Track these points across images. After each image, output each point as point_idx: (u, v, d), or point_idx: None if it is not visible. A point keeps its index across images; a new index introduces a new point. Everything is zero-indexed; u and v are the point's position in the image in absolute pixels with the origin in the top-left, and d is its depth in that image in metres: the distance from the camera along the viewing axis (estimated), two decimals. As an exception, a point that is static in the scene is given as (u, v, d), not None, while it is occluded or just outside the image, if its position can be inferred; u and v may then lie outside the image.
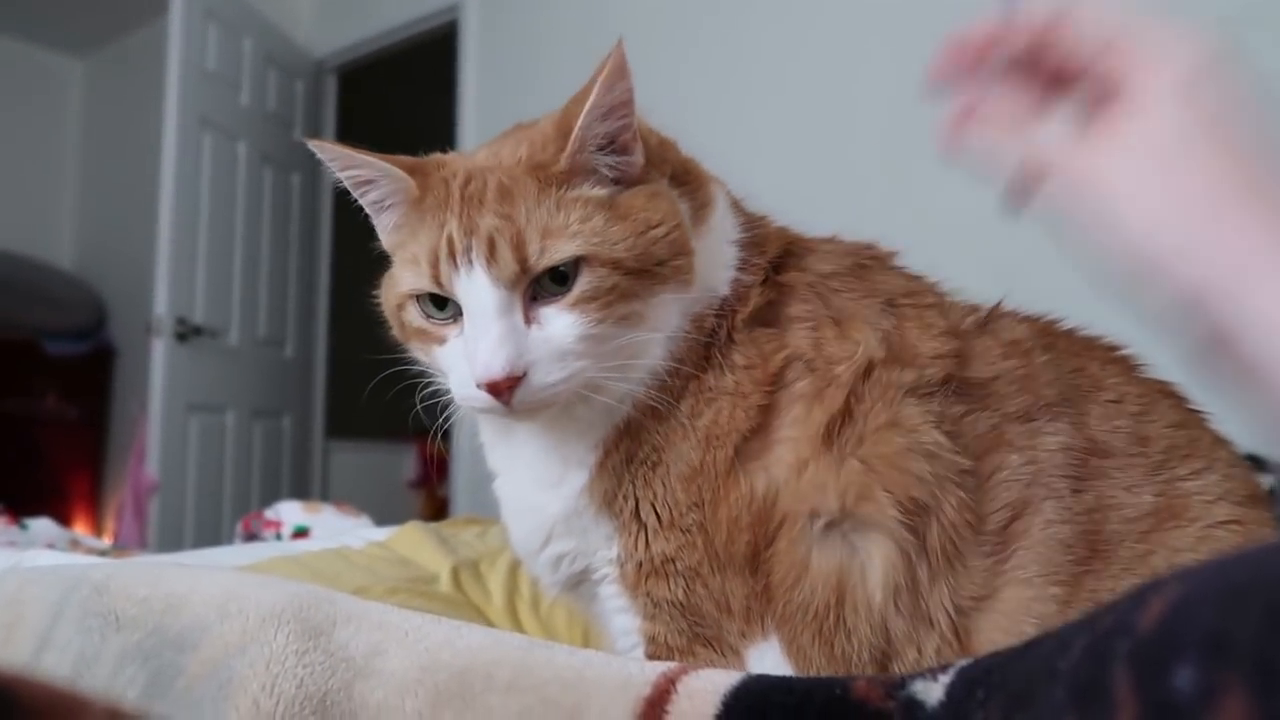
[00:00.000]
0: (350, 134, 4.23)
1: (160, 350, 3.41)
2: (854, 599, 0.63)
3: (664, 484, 0.68)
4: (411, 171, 0.73)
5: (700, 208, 0.74)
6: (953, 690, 0.42)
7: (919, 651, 0.63)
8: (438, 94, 4.09)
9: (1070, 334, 0.74)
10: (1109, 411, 0.67)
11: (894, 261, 0.78)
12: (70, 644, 0.47)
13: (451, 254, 0.67)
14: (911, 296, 0.73)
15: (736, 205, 0.79)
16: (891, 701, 0.44)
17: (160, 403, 3.40)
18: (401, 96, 5.15)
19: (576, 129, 0.68)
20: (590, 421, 0.71)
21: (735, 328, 0.70)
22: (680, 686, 0.49)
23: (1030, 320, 0.75)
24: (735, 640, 0.67)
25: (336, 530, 1.40)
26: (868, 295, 0.72)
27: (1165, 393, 0.71)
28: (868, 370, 0.66)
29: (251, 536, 1.49)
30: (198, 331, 3.53)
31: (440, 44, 3.90)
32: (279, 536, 1.43)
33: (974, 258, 2.57)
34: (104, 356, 4.42)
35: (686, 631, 0.69)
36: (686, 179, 0.75)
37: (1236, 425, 1.88)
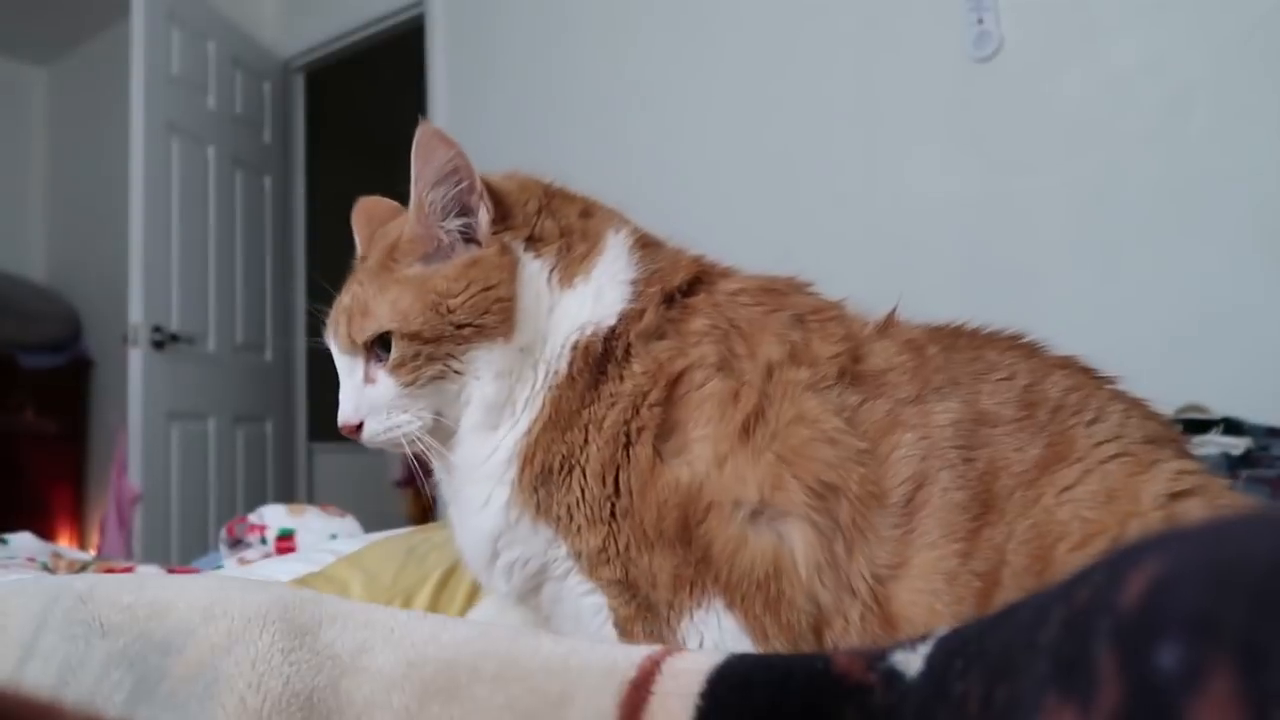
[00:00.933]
0: (320, 134, 4.20)
1: (137, 359, 3.38)
2: (788, 574, 0.70)
3: (580, 485, 0.76)
4: (362, 239, 0.92)
5: (580, 258, 0.84)
6: (932, 661, 0.43)
7: (845, 620, 0.69)
8: (408, 90, 4.07)
9: (974, 332, 0.82)
10: (999, 387, 0.73)
11: (808, 289, 0.87)
12: (55, 652, 0.47)
13: (326, 322, 0.85)
14: (818, 313, 0.81)
15: (643, 244, 0.87)
16: (872, 674, 0.44)
17: (140, 412, 3.37)
18: (371, 94, 5.12)
19: (412, 202, 0.81)
20: (494, 445, 0.81)
21: (631, 344, 0.79)
22: (664, 668, 0.50)
23: (929, 326, 0.83)
24: (664, 610, 0.74)
25: (321, 532, 1.40)
26: (776, 310, 0.80)
27: (1063, 365, 0.78)
28: (769, 372, 0.75)
29: (236, 542, 1.48)
30: (174, 339, 3.51)
31: (408, 40, 3.88)
32: (264, 541, 1.43)
33: (946, 237, 2.59)
34: (80, 368, 4.38)
35: (631, 602, 0.77)
36: (559, 238, 0.85)
37: (1209, 392, 1.90)
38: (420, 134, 0.78)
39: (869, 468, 0.70)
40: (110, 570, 1.35)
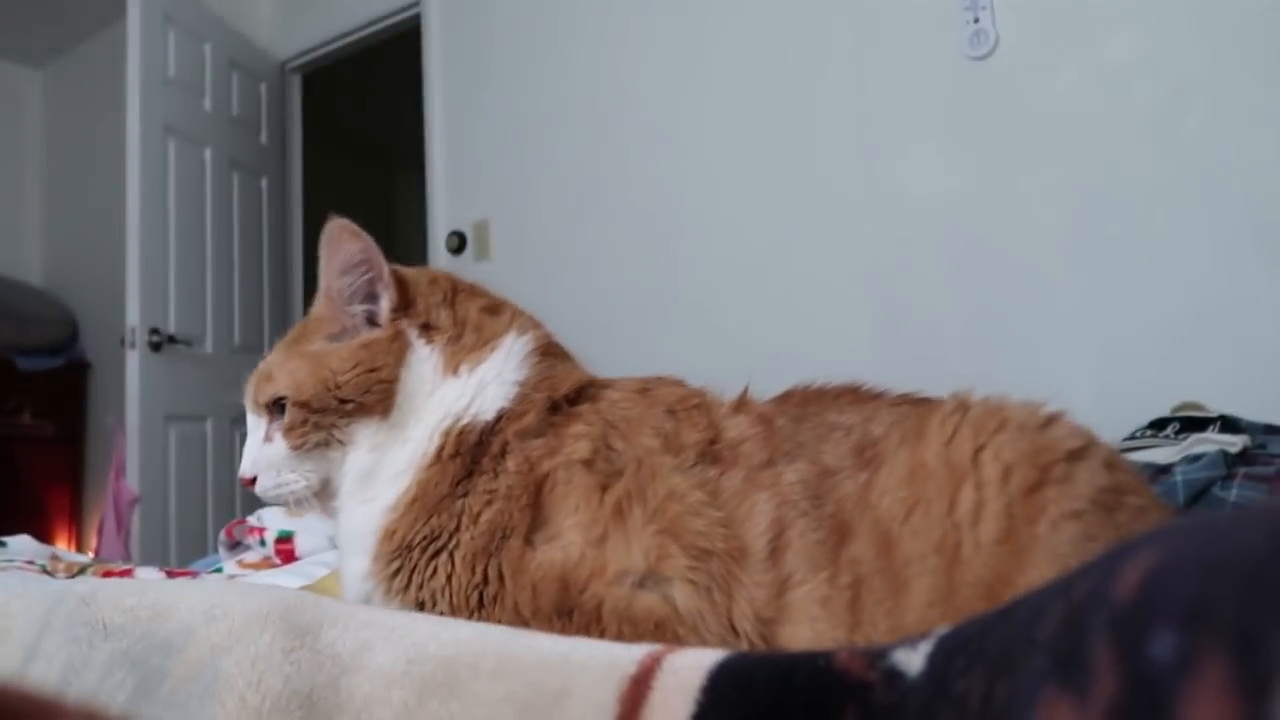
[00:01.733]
0: (317, 135, 4.20)
1: (135, 361, 3.38)
2: (674, 623, 0.76)
3: (446, 572, 0.81)
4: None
5: (466, 351, 0.91)
6: (933, 659, 0.43)
7: None
8: (404, 92, 4.08)
9: (815, 395, 0.91)
10: (837, 444, 0.83)
11: (676, 382, 0.94)
12: (58, 653, 0.47)
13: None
14: (683, 402, 0.88)
15: (545, 351, 0.93)
16: (874, 672, 0.44)
17: (138, 414, 3.37)
18: (368, 96, 5.13)
19: (321, 289, 0.91)
20: (364, 515, 0.86)
21: (508, 442, 0.85)
22: (665, 664, 0.50)
23: (788, 395, 0.92)
24: None
25: (321, 534, 1.40)
26: (651, 406, 0.88)
27: (894, 403, 0.88)
28: (640, 462, 0.82)
29: (235, 544, 1.48)
30: (172, 341, 3.51)
31: (404, 41, 3.88)
32: (263, 543, 1.42)
33: (942, 236, 2.59)
34: (77, 371, 4.38)
35: None
36: (451, 328, 0.92)
37: (1207, 390, 1.90)
38: (329, 228, 0.89)
39: (731, 529, 0.78)
40: (109, 573, 1.35)
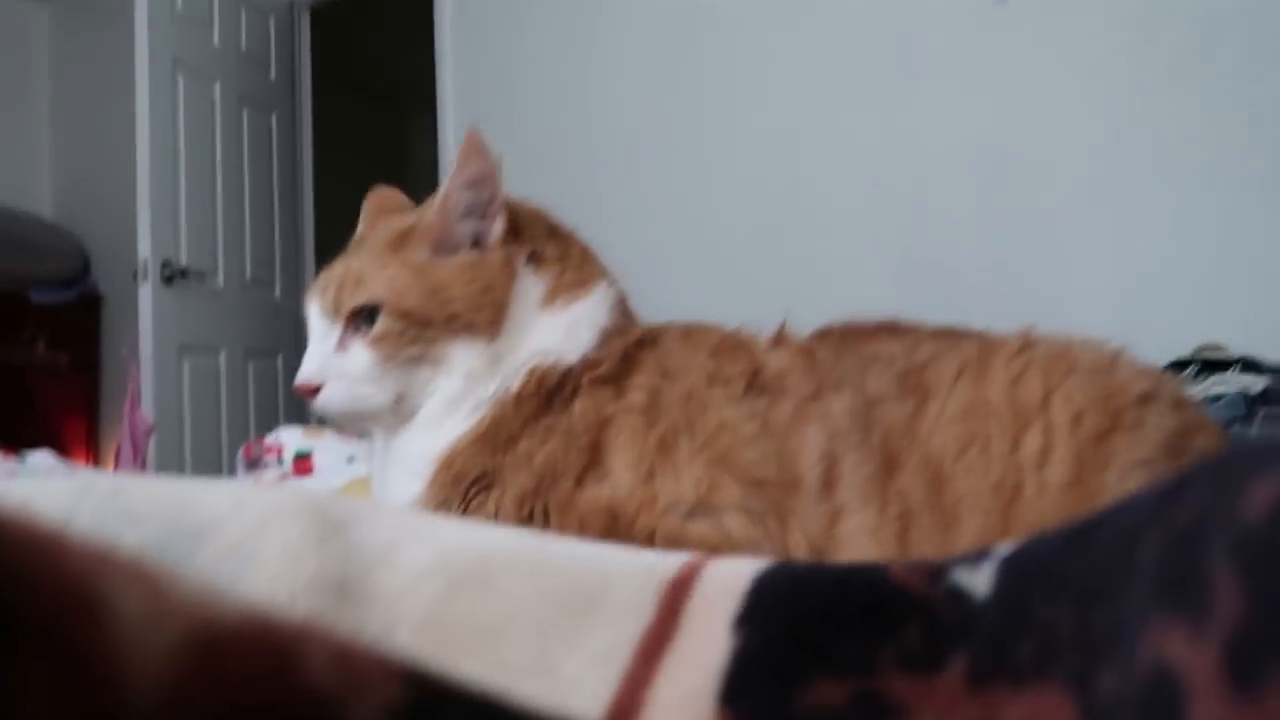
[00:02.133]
0: (328, 74, 4.14)
1: (147, 293, 3.39)
2: (728, 550, 0.75)
3: (495, 506, 0.80)
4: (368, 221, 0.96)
5: (566, 288, 0.89)
6: (1005, 584, 0.41)
7: None
8: (415, 33, 4.00)
9: (851, 331, 0.90)
10: (881, 374, 0.82)
11: (716, 326, 0.93)
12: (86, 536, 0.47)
13: (312, 289, 0.88)
14: (724, 343, 0.88)
15: (621, 305, 0.92)
16: (935, 590, 0.42)
17: (151, 346, 3.39)
18: (378, 36, 5.04)
19: (441, 194, 0.86)
20: (428, 442, 0.84)
21: (580, 385, 0.84)
22: (707, 570, 0.49)
23: (824, 332, 0.91)
24: None
25: (338, 454, 1.40)
26: (695, 350, 0.87)
27: (931, 335, 0.88)
28: (689, 396, 0.82)
29: (254, 463, 1.49)
30: (184, 274, 3.50)
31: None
32: (280, 462, 1.43)
33: (962, 178, 2.54)
34: (90, 303, 4.38)
35: None
36: (557, 261, 0.90)
37: (1228, 331, 1.89)
38: (469, 138, 0.85)
39: (784, 460, 0.78)
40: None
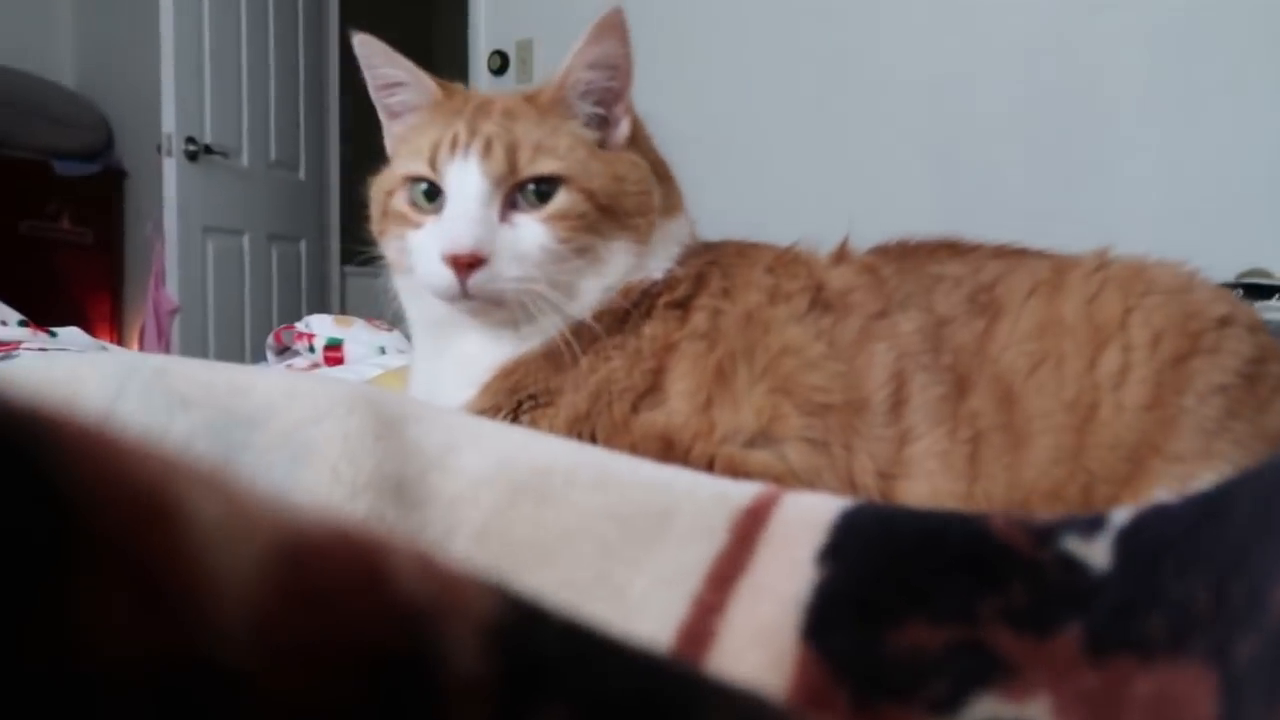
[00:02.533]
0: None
1: (171, 170, 3.34)
2: (789, 480, 0.72)
3: (550, 425, 0.75)
4: (440, 87, 0.83)
5: (670, 208, 0.83)
6: (1128, 558, 0.39)
7: None
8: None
9: (913, 248, 0.86)
10: (948, 290, 0.79)
11: (769, 244, 0.88)
12: (133, 419, 0.44)
13: (453, 146, 0.76)
14: (780, 259, 0.84)
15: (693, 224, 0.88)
16: (1043, 553, 0.40)
17: (175, 224, 3.36)
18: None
19: (563, 67, 0.78)
20: (498, 341, 0.78)
21: (655, 306, 0.79)
22: (785, 500, 0.46)
23: (883, 247, 0.87)
24: None
25: (369, 344, 1.38)
26: (752, 266, 0.83)
27: (994, 253, 0.84)
28: (748, 317, 0.78)
29: (284, 350, 1.47)
30: (208, 151, 3.45)
31: None
32: (311, 349, 1.41)
33: (1013, 80, 2.43)
34: (113, 178, 4.32)
35: None
36: (666, 179, 0.85)
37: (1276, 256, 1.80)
38: (608, 15, 0.76)
39: (851, 381, 0.75)
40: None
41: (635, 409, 0.76)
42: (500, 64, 3.42)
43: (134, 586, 0.17)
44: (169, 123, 3.32)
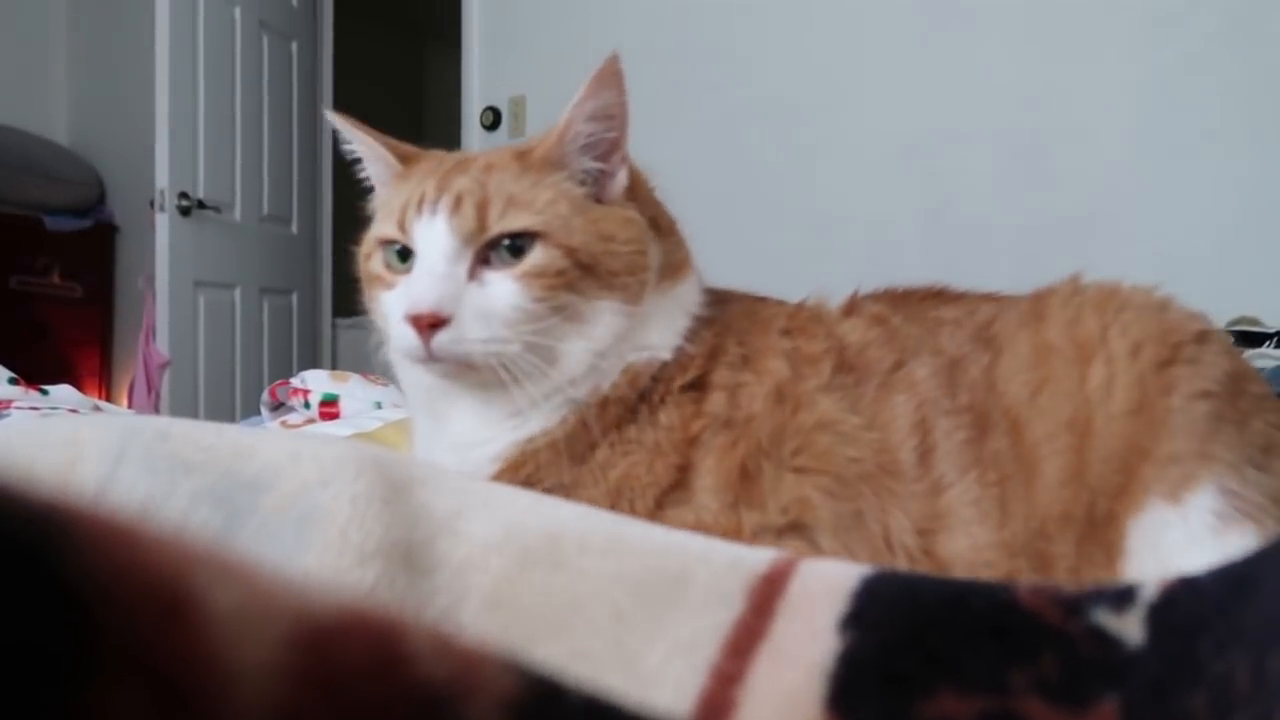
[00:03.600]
0: (350, 0, 4.01)
1: (164, 225, 3.34)
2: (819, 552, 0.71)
3: None
4: (405, 158, 0.82)
5: (673, 268, 0.80)
6: (1162, 635, 0.38)
7: None
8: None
9: (912, 295, 0.86)
10: (955, 334, 0.79)
11: (773, 299, 0.87)
12: (136, 485, 0.43)
13: (420, 204, 0.73)
14: (793, 318, 0.82)
15: (704, 285, 0.84)
16: (1073, 626, 0.39)
17: (167, 278, 3.35)
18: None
19: (562, 120, 0.75)
20: (499, 427, 0.75)
21: (670, 391, 0.75)
22: (802, 567, 0.45)
23: (882, 296, 0.86)
24: None
25: (365, 399, 1.37)
26: (766, 331, 0.80)
27: (985, 298, 0.86)
28: (779, 394, 0.75)
29: (278, 405, 1.46)
30: (201, 206, 3.45)
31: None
32: (307, 405, 1.39)
33: (1004, 128, 2.46)
34: (105, 232, 4.33)
35: None
36: (669, 234, 0.82)
37: (1266, 304, 1.83)
38: (607, 63, 0.74)
39: (881, 444, 0.74)
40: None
41: (660, 505, 0.72)
42: (493, 120, 3.45)
43: (153, 687, 0.16)
44: (163, 178, 3.33)
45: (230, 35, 3.66)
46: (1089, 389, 0.72)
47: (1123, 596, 0.39)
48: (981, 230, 2.51)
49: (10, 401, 1.20)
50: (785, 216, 2.83)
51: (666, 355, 0.76)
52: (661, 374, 0.75)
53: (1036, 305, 0.80)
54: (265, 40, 3.87)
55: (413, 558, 0.44)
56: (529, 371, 0.71)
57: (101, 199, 4.35)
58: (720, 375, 0.76)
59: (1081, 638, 0.38)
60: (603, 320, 0.74)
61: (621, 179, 0.78)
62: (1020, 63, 2.45)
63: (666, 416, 0.74)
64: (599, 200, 0.77)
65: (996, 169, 2.49)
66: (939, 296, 0.87)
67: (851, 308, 0.84)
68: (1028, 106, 2.44)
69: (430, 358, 0.70)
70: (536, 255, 0.71)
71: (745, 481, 0.72)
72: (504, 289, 0.71)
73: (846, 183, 2.73)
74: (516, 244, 0.72)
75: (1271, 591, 0.35)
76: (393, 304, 0.74)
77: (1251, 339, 1.87)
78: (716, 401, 0.75)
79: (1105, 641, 0.38)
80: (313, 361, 4.09)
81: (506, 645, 0.44)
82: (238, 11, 3.70)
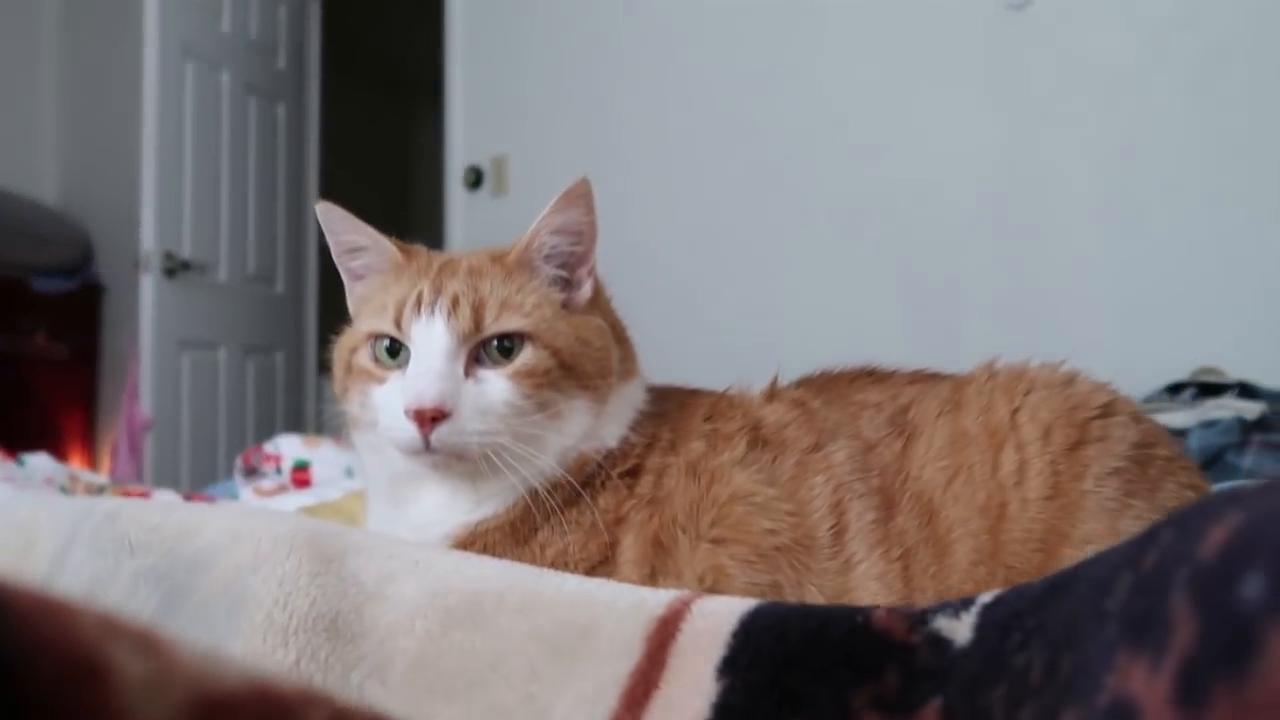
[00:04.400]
0: (335, 63, 4.13)
1: (149, 285, 3.38)
2: None
3: None
4: (404, 251, 0.87)
5: (626, 371, 0.87)
6: (983, 631, 0.43)
7: None
8: (425, 20, 4.00)
9: (836, 377, 0.92)
10: (873, 418, 0.85)
11: (708, 390, 0.93)
12: (83, 567, 0.47)
13: (418, 304, 0.79)
14: (716, 405, 0.87)
15: (648, 384, 0.91)
16: (916, 635, 0.44)
17: (151, 339, 3.38)
18: (387, 23, 5.04)
19: (530, 230, 0.83)
20: (455, 500, 0.80)
21: (610, 477, 0.81)
22: (695, 608, 0.50)
23: (808, 381, 0.92)
24: None
25: (336, 464, 1.40)
26: (692, 416, 0.86)
27: (910, 380, 0.90)
28: (693, 470, 0.80)
29: (251, 471, 1.49)
30: (186, 267, 3.50)
31: (426, -31, 3.80)
32: (279, 471, 1.43)
33: (969, 190, 2.55)
34: (92, 293, 4.37)
35: None
36: (622, 341, 0.89)
37: (1226, 355, 1.88)
38: (575, 184, 0.81)
39: (797, 519, 0.78)
40: (127, 494, 1.35)
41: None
42: (475, 179, 3.52)
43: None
44: (148, 240, 3.38)
45: (216, 99, 3.74)
46: (1001, 475, 0.77)
47: (967, 602, 0.44)
48: (952, 283, 2.57)
49: (-13, 471, 1.23)
50: (751, 280, 2.90)
51: (613, 444, 0.82)
52: (605, 461, 0.81)
53: (955, 393, 0.84)
54: (252, 103, 3.96)
55: (340, 626, 0.48)
56: (514, 462, 0.76)
57: (89, 259, 4.40)
58: (652, 460, 0.82)
59: (922, 646, 0.43)
60: (576, 417, 0.80)
61: (587, 290, 0.85)
62: (983, 122, 2.53)
63: (604, 500, 0.79)
64: (565, 306, 0.84)
65: (964, 225, 2.56)
66: (868, 377, 0.92)
67: (772, 394, 0.89)
68: (991, 164, 2.52)
69: (427, 449, 0.75)
70: (527, 355, 0.78)
71: (660, 553, 0.77)
72: (498, 385, 0.77)
73: (818, 240, 2.79)
74: (505, 344, 0.78)
75: (1079, 594, 0.38)
76: (386, 398, 0.79)
77: (1213, 389, 1.92)
78: (645, 484, 0.81)
79: (939, 644, 0.42)
80: (297, 416, 4.12)
81: (427, 703, 0.49)
82: (225, 76, 3.78)
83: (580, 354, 0.80)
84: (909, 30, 2.64)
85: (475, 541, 0.78)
